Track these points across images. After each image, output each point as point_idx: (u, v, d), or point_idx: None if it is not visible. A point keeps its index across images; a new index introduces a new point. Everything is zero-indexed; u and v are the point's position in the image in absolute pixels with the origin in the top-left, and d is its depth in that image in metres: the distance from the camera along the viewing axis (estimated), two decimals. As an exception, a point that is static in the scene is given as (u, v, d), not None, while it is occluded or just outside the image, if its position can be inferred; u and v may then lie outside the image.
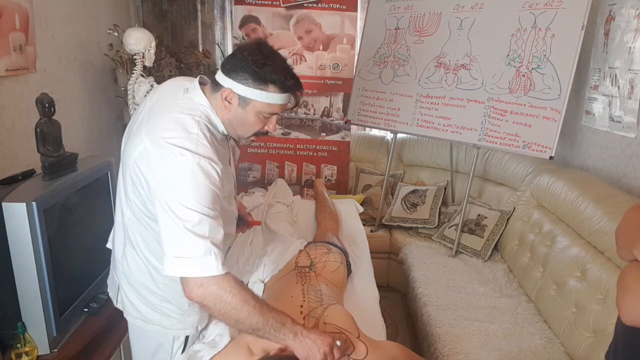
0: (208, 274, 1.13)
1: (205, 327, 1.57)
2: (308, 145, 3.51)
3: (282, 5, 3.33)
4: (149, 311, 1.40)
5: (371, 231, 3.09)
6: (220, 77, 1.25)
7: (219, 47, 3.66)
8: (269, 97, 1.22)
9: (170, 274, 1.16)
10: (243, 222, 1.73)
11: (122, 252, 1.40)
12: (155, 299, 1.38)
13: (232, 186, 1.42)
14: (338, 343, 1.28)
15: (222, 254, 1.17)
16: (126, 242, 1.38)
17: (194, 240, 1.12)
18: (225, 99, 1.24)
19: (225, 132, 1.31)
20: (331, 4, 3.34)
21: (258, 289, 1.75)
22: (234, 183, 1.47)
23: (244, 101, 1.23)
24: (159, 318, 1.40)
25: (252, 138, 1.35)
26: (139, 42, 2.57)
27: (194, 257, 1.13)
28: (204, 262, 1.13)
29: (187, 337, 1.46)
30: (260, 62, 1.20)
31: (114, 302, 1.52)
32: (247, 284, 1.82)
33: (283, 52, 3.37)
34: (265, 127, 1.30)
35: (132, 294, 1.40)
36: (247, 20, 3.36)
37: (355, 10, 3.39)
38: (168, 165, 1.15)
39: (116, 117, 3.09)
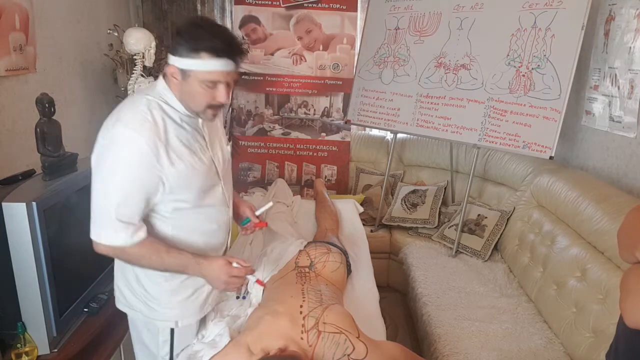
0: (116, 244, 1.27)
1: (205, 327, 1.58)
2: (308, 145, 3.51)
3: (282, 5, 3.33)
4: (134, 299, 1.46)
5: (371, 231, 3.09)
6: (168, 58, 1.30)
7: (219, 47, 3.66)
8: (204, 65, 1.23)
9: (92, 237, 1.29)
10: (249, 223, 1.67)
11: None
12: (138, 287, 1.44)
13: (204, 171, 1.37)
14: (235, 264, 1.36)
15: (132, 225, 1.26)
16: None
17: (105, 210, 1.25)
18: (172, 75, 1.28)
19: (187, 112, 1.33)
20: (331, 4, 3.34)
21: (258, 289, 1.75)
22: (217, 170, 1.43)
23: (185, 74, 1.26)
24: (141, 307, 1.46)
25: (210, 112, 1.33)
26: (139, 42, 2.58)
27: (104, 227, 1.26)
28: (112, 233, 1.26)
29: (172, 331, 1.49)
30: (192, 32, 1.24)
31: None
32: (247, 284, 1.82)
33: (283, 52, 3.39)
34: (217, 98, 1.29)
35: (121, 282, 1.49)
36: (247, 20, 3.36)
37: (355, 10, 3.39)
38: (101, 137, 1.26)
39: (116, 117, 3.08)
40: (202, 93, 1.27)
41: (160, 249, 1.31)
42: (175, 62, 1.26)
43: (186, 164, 1.30)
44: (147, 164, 1.23)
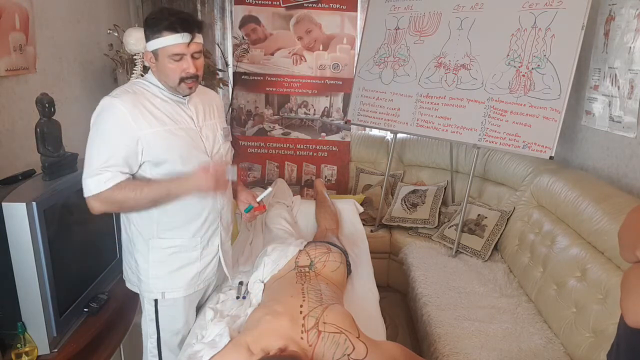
0: (94, 192, 1.42)
1: (205, 327, 1.58)
2: (308, 145, 3.51)
3: (282, 5, 3.34)
4: (131, 273, 1.64)
5: (371, 231, 3.09)
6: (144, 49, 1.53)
7: (219, 47, 3.66)
8: (166, 40, 1.44)
9: (84, 194, 1.45)
10: (250, 209, 1.75)
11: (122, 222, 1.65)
12: (131, 260, 1.61)
13: (185, 140, 1.52)
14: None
15: (107, 172, 1.41)
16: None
17: (87, 164, 1.43)
18: (149, 61, 1.51)
19: (169, 91, 1.52)
20: (331, 4, 3.34)
21: (258, 289, 1.76)
22: (205, 147, 1.57)
23: (155, 54, 1.48)
24: (135, 279, 1.63)
25: (185, 85, 1.50)
26: (139, 42, 2.57)
27: (87, 179, 1.43)
28: (92, 183, 1.43)
29: (156, 301, 1.62)
30: (154, 18, 1.46)
31: None
32: (247, 284, 1.83)
33: (283, 52, 3.39)
34: (185, 69, 1.47)
35: (124, 257, 1.67)
36: (247, 20, 3.36)
37: (355, 10, 3.39)
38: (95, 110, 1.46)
39: (116, 117, 3.08)
40: (172, 68, 1.47)
41: (141, 185, 1.45)
42: (147, 47, 1.49)
43: (165, 128, 1.47)
44: (122, 123, 1.41)
